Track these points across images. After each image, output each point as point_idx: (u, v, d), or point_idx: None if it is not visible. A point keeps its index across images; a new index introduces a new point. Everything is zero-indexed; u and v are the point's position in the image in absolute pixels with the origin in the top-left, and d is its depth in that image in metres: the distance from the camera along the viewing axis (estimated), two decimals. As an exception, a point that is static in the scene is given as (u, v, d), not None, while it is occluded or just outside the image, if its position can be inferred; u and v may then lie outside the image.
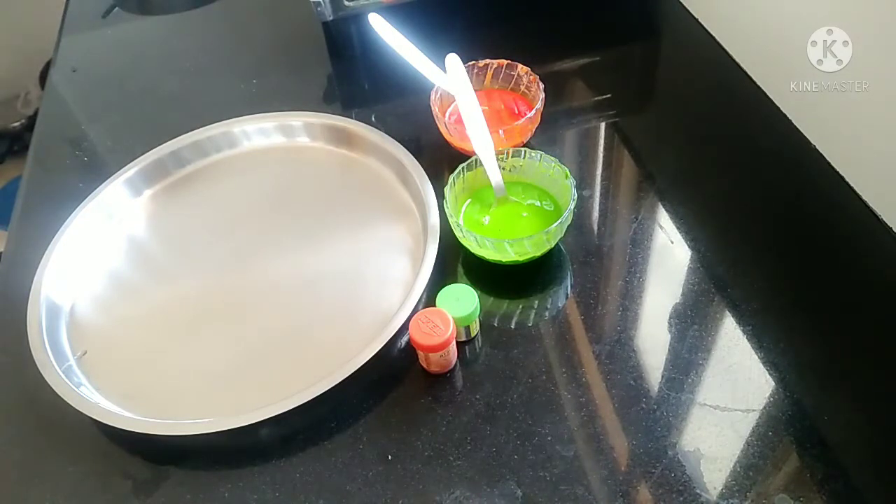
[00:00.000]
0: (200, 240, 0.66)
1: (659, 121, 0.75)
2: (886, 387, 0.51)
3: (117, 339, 0.58)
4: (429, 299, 0.56)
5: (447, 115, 0.70)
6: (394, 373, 0.54)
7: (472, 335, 0.55)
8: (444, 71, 0.67)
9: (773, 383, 0.51)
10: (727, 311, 0.56)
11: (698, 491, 0.46)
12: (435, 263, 0.57)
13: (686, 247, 0.61)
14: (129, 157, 0.70)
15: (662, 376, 0.52)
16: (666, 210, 0.64)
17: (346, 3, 0.78)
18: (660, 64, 0.82)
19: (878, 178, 0.60)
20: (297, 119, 0.73)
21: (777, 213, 0.63)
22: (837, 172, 0.63)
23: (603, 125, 0.74)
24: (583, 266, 0.60)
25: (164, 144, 0.71)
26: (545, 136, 0.71)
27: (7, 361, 0.57)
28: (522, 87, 0.71)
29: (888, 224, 0.59)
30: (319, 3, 0.77)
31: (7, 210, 0.73)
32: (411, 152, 0.67)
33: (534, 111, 0.65)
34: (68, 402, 0.51)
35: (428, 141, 0.69)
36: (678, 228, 0.62)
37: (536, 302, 0.58)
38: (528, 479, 0.47)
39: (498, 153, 0.62)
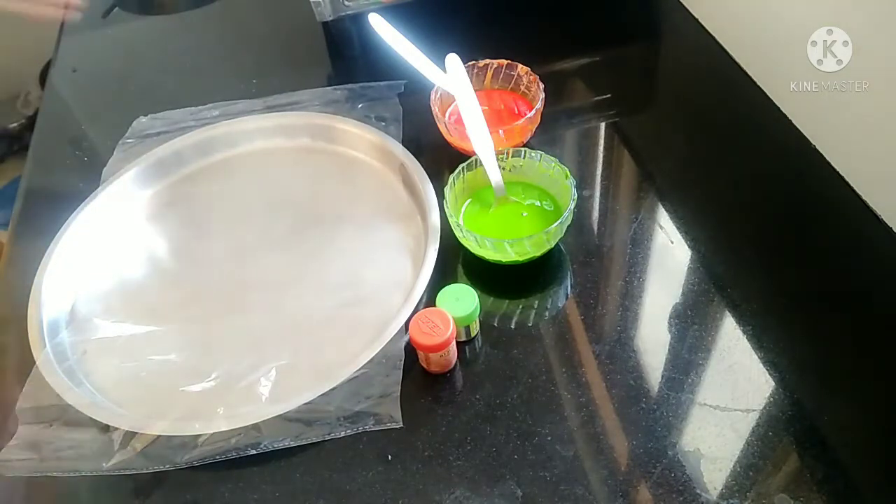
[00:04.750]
0: (201, 240, 0.66)
1: (659, 121, 0.75)
2: (886, 387, 0.51)
3: (117, 339, 0.58)
4: (429, 299, 0.56)
5: (447, 115, 0.70)
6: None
7: (472, 335, 0.55)
8: (444, 71, 0.67)
9: (773, 383, 0.51)
10: (727, 311, 0.56)
11: (698, 491, 0.46)
12: (435, 263, 0.57)
13: (686, 247, 0.61)
14: (129, 157, 0.70)
15: (662, 376, 0.52)
16: (666, 210, 0.64)
17: (346, 3, 0.78)
18: (660, 64, 0.82)
19: (878, 178, 0.60)
20: (298, 119, 0.73)
21: (777, 213, 0.63)
22: (837, 172, 0.63)
23: (603, 125, 0.74)
24: (583, 266, 0.60)
25: (165, 144, 0.71)
26: (545, 136, 0.71)
27: (7, 360, 0.57)
28: (522, 87, 0.71)
29: (888, 224, 0.59)
30: (319, 2, 0.77)
31: (7, 210, 0.73)
32: (411, 152, 0.67)
33: (534, 111, 0.65)
34: (68, 401, 0.51)
35: (428, 141, 0.69)
36: (678, 228, 0.62)
37: (536, 302, 0.58)
38: (528, 479, 0.47)
39: (498, 153, 0.62)
